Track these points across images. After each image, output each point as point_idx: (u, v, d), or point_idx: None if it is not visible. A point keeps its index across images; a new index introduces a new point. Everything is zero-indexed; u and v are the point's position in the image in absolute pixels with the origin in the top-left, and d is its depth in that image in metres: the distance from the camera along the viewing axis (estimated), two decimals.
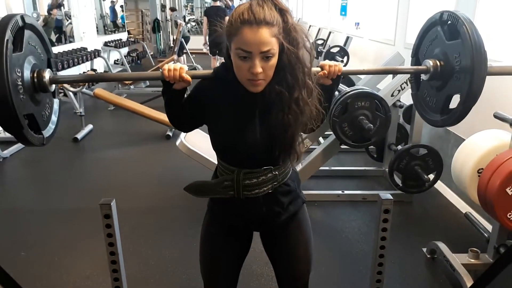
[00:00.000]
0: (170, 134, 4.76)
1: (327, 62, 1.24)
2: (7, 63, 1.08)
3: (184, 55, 9.87)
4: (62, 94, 5.56)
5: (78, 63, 6.51)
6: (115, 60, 9.42)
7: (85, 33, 8.28)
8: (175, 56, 8.92)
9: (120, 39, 9.89)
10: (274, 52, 1.08)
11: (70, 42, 8.20)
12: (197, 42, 12.96)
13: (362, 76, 4.03)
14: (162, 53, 12.58)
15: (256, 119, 1.20)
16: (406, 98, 3.36)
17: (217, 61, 9.41)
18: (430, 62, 1.38)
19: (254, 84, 1.11)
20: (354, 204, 3.12)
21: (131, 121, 5.30)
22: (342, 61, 6.45)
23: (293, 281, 1.40)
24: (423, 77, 1.44)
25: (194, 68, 9.13)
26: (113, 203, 1.52)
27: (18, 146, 4.28)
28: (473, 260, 2.17)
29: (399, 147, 3.23)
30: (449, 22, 1.37)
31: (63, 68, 5.93)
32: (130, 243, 2.49)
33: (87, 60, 6.92)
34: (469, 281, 1.99)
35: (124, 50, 9.84)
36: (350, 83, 3.45)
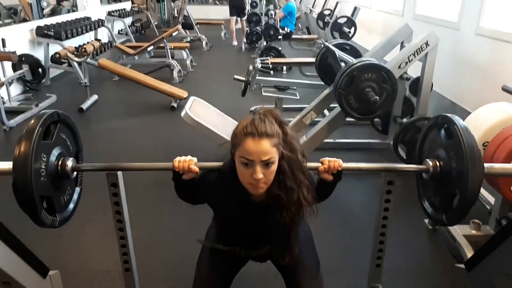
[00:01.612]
0: (175, 105, 4.75)
1: (327, 158, 1.36)
2: (34, 148, 1.21)
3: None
4: (66, 64, 5.55)
5: (82, 33, 6.45)
6: (119, 30, 9.30)
7: (89, 1, 8.14)
8: (179, 26, 8.79)
9: (124, 9, 9.74)
10: (274, 160, 1.20)
11: (74, 11, 8.09)
12: (202, 12, 12.78)
13: (369, 48, 3.97)
14: (166, 23, 12.41)
15: (255, 218, 1.33)
16: (413, 71, 3.31)
17: (236, 24, 9.29)
18: (429, 162, 1.43)
19: (255, 187, 1.22)
20: (358, 176, 3.13)
21: (136, 92, 5.29)
22: (349, 32, 6.33)
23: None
24: (424, 176, 1.49)
25: (199, 39, 9.01)
26: (119, 173, 1.54)
27: (24, 115, 4.30)
28: (474, 232, 2.19)
29: (405, 119, 3.22)
30: (444, 125, 1.45)
31: (67, 38, 5.88)
32: (136, 211, 2.53)
33: (90, 30, 6.85)
34: (469, 252, 2.02)
35: (128, 20, 9.71)
36: (357, 55, 3.40)
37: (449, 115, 1.43)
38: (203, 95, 3.88)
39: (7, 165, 1.24)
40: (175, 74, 5.92)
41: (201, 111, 3.29)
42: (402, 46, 3.41)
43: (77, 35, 6.20)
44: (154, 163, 1.48)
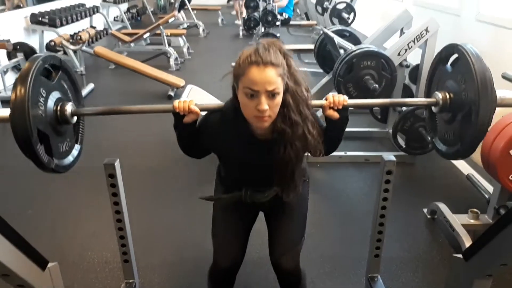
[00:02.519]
0: (172, 94, 4.72)
1: (331, 94, 1.32)
2: (34, 74, 1.15)
3: (182, 11, 9.56)
4: (62, 52, 5.48)
5: (77, 20, 6.35)
6: (114, 17, 9.18)
7: None
8: (175, 12, 8.68)
9: None
10: (279, 91, 1.16)
11: None
12: None
13: (368, 35, 3.93)
14: (162, 9, 12.22)
15: (260, 155, 1.29)
16: (413, 58, 3.28)
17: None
18: (439, 94, 1.37)
19: (260, 120, 1.18)
20: (357, 165, 3.13)
21: (132, 80, 5.24)
22: (348, 18, 6.27)
23: (281, 249, 1.47)
24: (434, 109, 1.43)
25: (196, 25, 8.91)
26: (117, 163, 1.53)
27: None
28: (472, 221, 2.20)
29: (404, 108, 3.20)
30: (451, 56, 1.38)
31: (61, 25, 5.79)
32: (134, 202, 2.52)
33: (85, 17, 6.74)
34: (468, 241, 2.03)
35: (124, 6, 9.56)
36: (357, 42, 3.36)
37: (453, 43, 1.35)
38: (200, 83, 3.85)
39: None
40: (172, 61, 5.86)
41: (198, 99, 3.26)
42: (401, 33, 3.37)
43: (72, 22, 6.10)
44: (154, 106, 1.45)
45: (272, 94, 1.14)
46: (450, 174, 3.02)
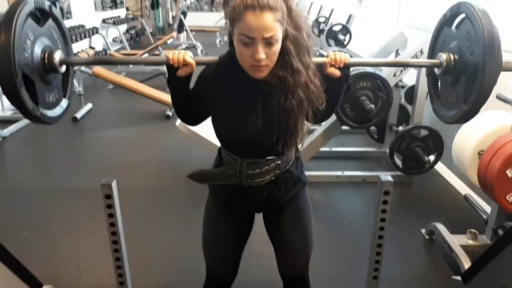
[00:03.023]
0: (170, 113, 4.74)
1: (332, 51, 1.22)
2: (20, 14, 1.09)
3: (184, 32, 9.73)
4: None
5: (77, 40, 6.42)
6: (113, 38, 9.29)
7: (83, 9, 8.13)
8: (174, 33, 8.80)
9: (119, 16, 9.73)
10: (278, 38, 1.07)
11: (68, 18, 8.07)
12: (197, 19, 12.80)
13: (364, 55, 3.98)
14: (161, 30, 12.41)
15: (259, 105, 1.19)
16: (408, 79, 3.33)
17: None
18: (443, 56, 1.31)
19: (257, 70, 1.11)
20: (354, 185, 3.13)
21: (130, 100, 5.26)
22: (344, 40, 6.38)
23: (292, 260, 1.41)
24: (437, 71, 1.37)
25: (194, 46, 9.03)
26: (113, 184, 1.52)
27: (18, 125, 4.26)
28: (471, 241, 2.19)
29: (400, 128, 3.22)
30: (457, 16, 1.32)
31: None
32: (131, 223, 2.50)
33: (85, 37, 6.81)
34: (466, 262, 2.01)
35: (123, 27, 9.71)
36: None
37: (460, 1, 1.28)
38: None
39: None
40: None
41: None
42: (397, 54, 3.43)
43: (72, 42, 6.17)
44: (149, 57, 1.40)
45: (269, 42, 1.06)
46: (447, 194, 3.02)
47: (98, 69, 4.97)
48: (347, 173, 3.21)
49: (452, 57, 1.30)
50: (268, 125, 1.19)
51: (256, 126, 1.20)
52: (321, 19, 7.63)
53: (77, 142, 4.20)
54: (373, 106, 2.65)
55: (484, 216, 2.27)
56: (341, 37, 6.38)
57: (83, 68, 5.05)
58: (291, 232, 1.39)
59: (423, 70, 2.99)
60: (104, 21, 8.86)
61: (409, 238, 2.47)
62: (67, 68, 1.35)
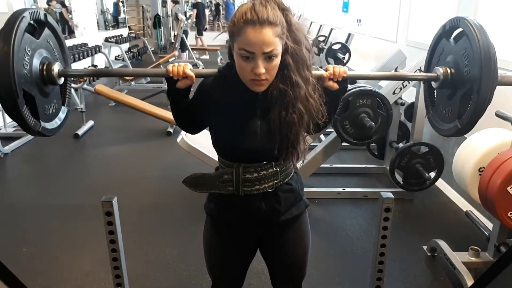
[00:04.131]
0: (171, 130, 4.76)
1: (331, 65, 1.24)
2: (17, 29, 1.08)
3: (187, 51, 9.84)
4: None
5: (79, 59, 6.50)
6: (116, 56, 9.40)
7: (86, 28, 8.25)
8: (176, 52, 8.90)
9: (121, 35, 9.86)
10: (277, 53, 1.08)
11: (71, 37, 8.18)
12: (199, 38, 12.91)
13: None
14: (163, 49, 12.55)
15: (258, 118, 1.19)
16: (408, 96, 3.35)
17: None
18: (440, 69, 1.33)
19: (257, 84, 1.11)
20: (355, 202, 3.12)
21: (132, 118, 5.29)
22: (343, 58, 6.45)
23: (287, 283, 1.43)
24: (434, 85, 1.39)
25: (195, 65, 9.12)
26: (114, 201, 1.52)
27: (19, 142, 4.28)
28: (473, 259, 2.17)
29: (401, 144, 3.23)
30: (454, 30, 1.34)
31: None
32: (131, 239, 2.49)
33: (88, 56, 6.90)
34: (469, 279, 1.99)
35: (125, 46, 9.82)
36: (352, 81, 3.44)
37: (459, 16, 1.30)
38: None
39: None
40: None
41: (197, 136, 3.27)
42: (396, 72, 3.46)
43: (74, 61, 6.24)
44: (149, 69, 1.39)
45: (269, 57, 1.07)
46: (449, 211, 3.01)
47: (100, 87, 5.01)
48: (347, 189, 3.20)
49: (449, 71, 1.31)
50: (266, 136, 1.19)
51: (255, 136, 1.20)
52: (321, 38, 7.73)
53: (78, 158, 4.21)
54: (373, 123, 2.67)
55: (486, 233, 2.26)
56: (340, 55, 6.45)
57: (85, 85, 5.10)
58: (291, 257, 1.38)
59: (422, 88, 3.03)
60: (106, 39, 8.98)
61: (410, 255, 2.45)
62: (65, 79, 1.35)
